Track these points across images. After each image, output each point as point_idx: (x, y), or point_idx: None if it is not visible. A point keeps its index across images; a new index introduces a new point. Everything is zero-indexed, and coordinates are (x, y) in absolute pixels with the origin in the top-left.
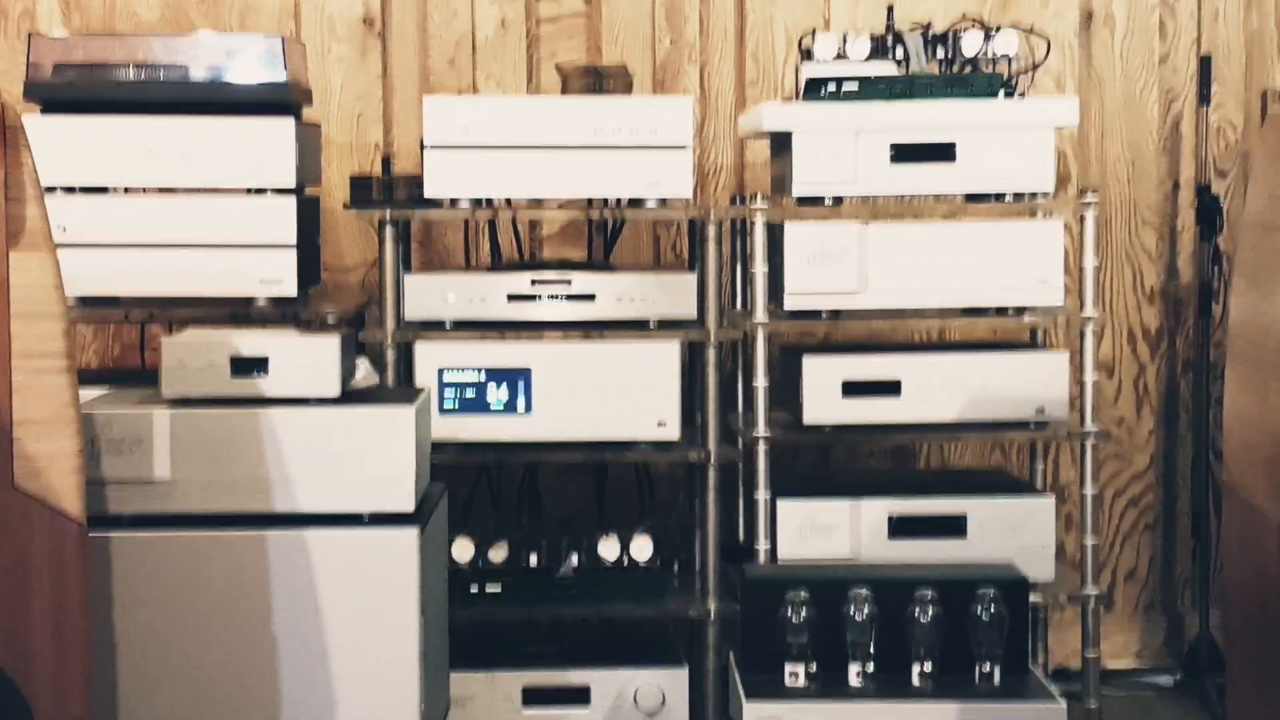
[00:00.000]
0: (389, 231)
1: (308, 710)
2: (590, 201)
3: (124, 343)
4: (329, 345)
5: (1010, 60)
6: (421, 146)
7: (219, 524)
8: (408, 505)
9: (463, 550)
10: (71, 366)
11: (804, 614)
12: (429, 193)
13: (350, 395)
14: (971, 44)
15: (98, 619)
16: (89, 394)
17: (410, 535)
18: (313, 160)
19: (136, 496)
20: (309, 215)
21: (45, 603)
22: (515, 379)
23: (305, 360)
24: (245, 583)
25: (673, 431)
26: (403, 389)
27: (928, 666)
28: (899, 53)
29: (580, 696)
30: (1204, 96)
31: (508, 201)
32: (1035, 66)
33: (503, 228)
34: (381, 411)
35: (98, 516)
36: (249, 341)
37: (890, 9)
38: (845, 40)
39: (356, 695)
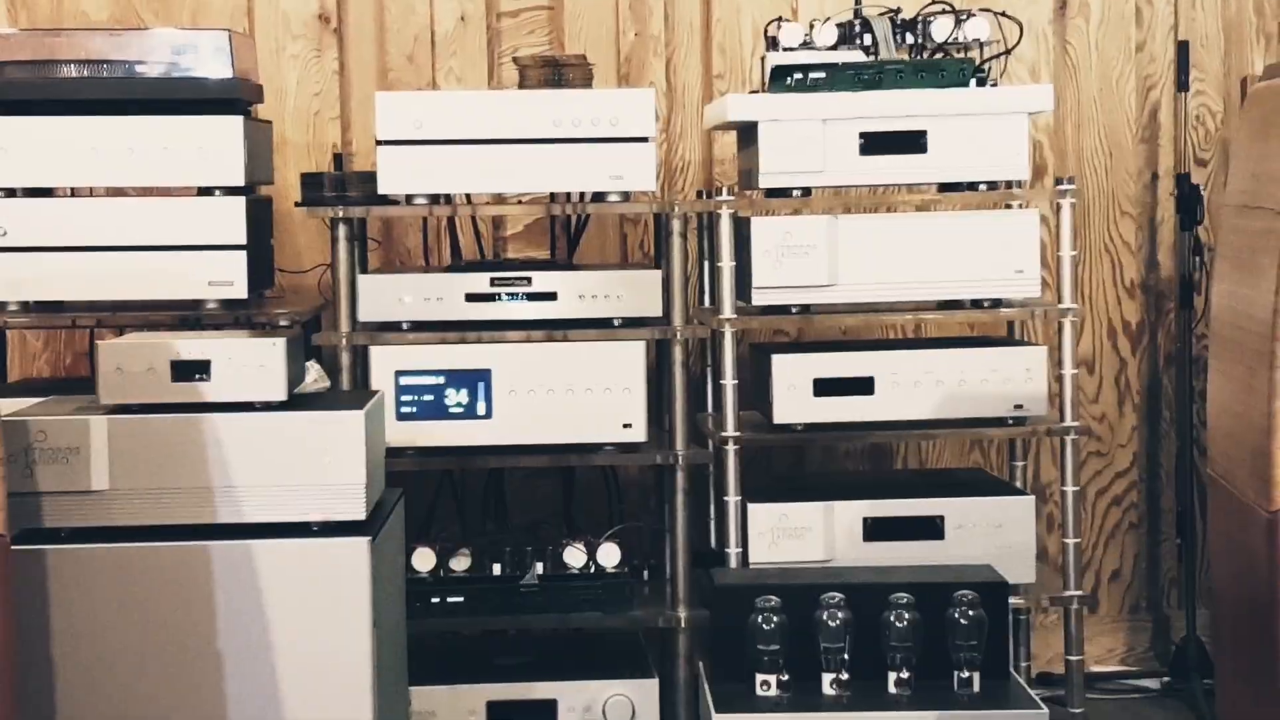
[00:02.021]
0: (342, 230)
1: None
2: (553, 197)
3: (76, 350)
4: (274, 348)
5: (982, 46)
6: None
7: (160, 536)
8: (358, 514)
9: (423, 560)
10: None
11: (775, 621)
12: (383, 189)
13: (298, 400)
14: (941, 29)
15: (32, 638)
16: (33, 403)
17: (361, 545)
18: (264, 159)
19: (73, 508)
20: (260, 215)
21: None
22: (475, 381)
23: (249, 364)
24: (188, 597)
25: (639, 433)
26: (354, 393)
27: (904, 674)
28: (867, 39)
29: (547, 710)
30: (1182, 84)
31: (468, 198)
32: (1008, 52)
33: (463, 227)
34: (329, 416)
35: (32, 530)
36: (190, 345)
37: None
38: (812, 28)
39: (306, 712)
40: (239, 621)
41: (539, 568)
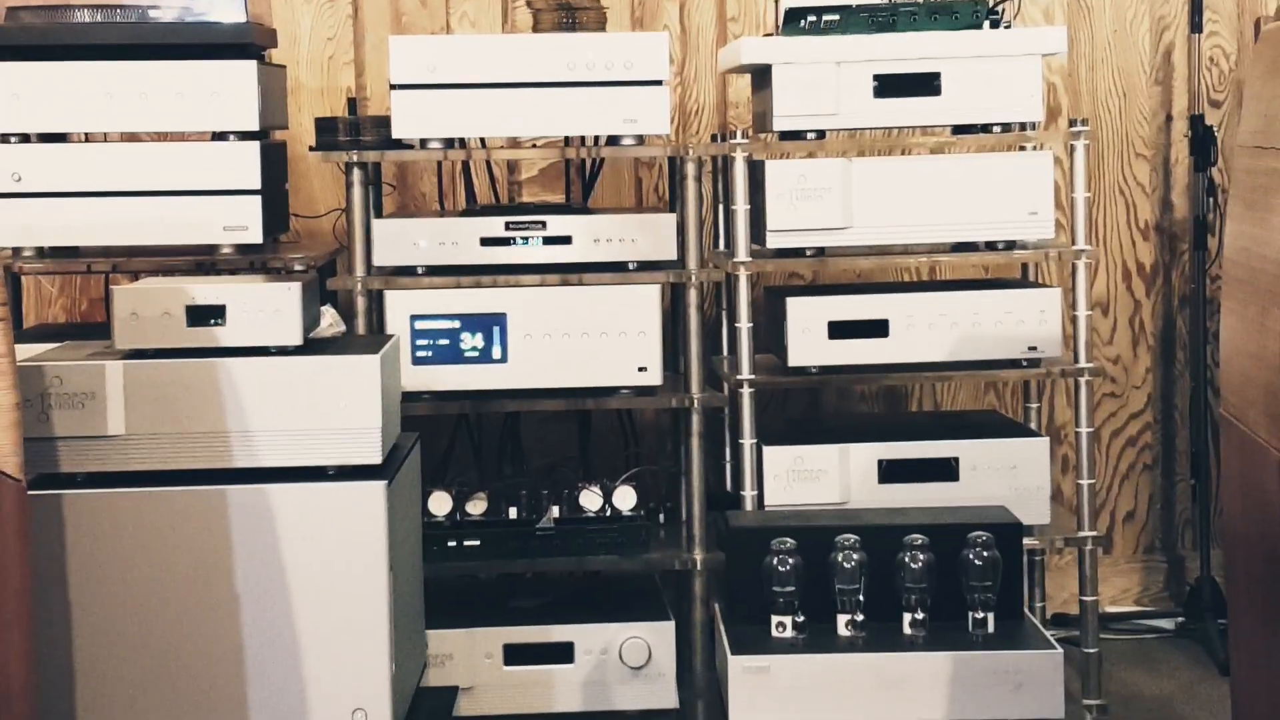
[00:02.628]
0: (356, 174)
1: (273, 672)
2: (567, 141)
3: (91, 296)
4: (289, 292)
5: None
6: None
7: (176, 481)
8: (374, 457)
9: (440, 503)
10: (5, 315)
11: (790, 563)
12: (397, 133)
13: (313, 344)
14: None
15: (51, 583)
16: (48, 349)
17: (377, 489)
18: (278, 103)
19: (89, 453)
20: (274, 160)
21: None
22: (490, 325)
23: (264, 308)
24: (205, 542)
25: (654, 377)
26: (369, 337)
27: (919, 615)
28: None
29: (564, 653)
30: (1196, 25)
31: (482, 142)
32: None
33: (478, 172)
34: (344, 360)
35: (49, 475)
36: (205, 290)
37: None
38: None
39: (324, 656)
40: (255, 566)
41: (555, 511)
